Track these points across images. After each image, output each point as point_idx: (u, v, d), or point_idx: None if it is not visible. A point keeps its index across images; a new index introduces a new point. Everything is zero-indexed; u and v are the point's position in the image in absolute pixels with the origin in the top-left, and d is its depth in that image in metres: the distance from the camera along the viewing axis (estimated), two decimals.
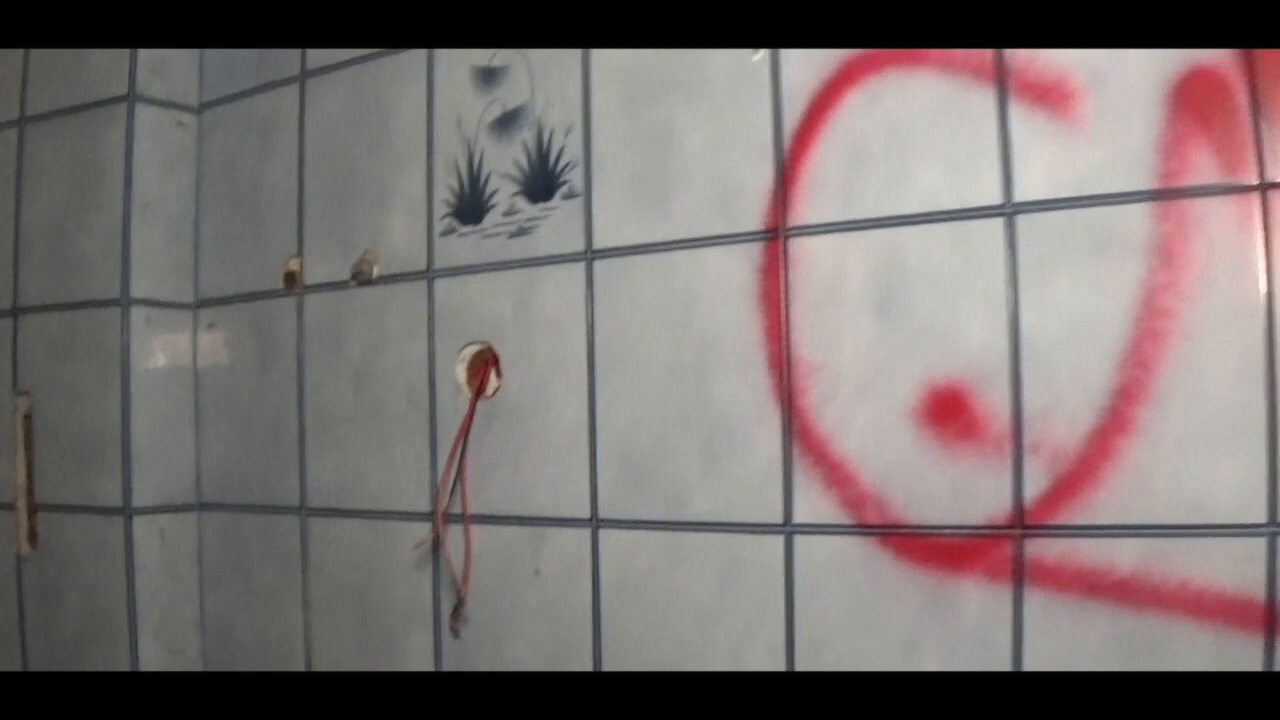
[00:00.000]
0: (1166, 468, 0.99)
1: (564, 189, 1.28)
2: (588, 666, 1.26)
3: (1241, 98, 0.98)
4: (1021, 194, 1.05)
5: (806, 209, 1.15)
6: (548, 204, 1.30)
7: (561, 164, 1.29)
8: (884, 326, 1.10)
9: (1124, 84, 1.01)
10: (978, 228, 1.07)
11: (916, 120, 1.10)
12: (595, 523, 1.26)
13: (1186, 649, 0.98)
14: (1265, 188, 0.96)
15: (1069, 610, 1.02)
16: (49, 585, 1.56)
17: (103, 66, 1.52)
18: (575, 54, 1.28)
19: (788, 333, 1.15)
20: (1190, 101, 1.00)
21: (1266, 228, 0.96)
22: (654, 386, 1.22)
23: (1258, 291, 0.96)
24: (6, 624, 1.59)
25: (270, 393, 1.51)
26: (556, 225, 1.29)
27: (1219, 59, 0.98)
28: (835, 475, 1.12)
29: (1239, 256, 0.97)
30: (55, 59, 1.57)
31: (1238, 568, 0.96)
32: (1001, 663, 1.04)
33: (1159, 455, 0.99)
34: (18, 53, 1.60)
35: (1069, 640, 1.02)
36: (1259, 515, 0.95)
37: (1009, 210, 1.06)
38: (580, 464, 1.27)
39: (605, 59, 1.27)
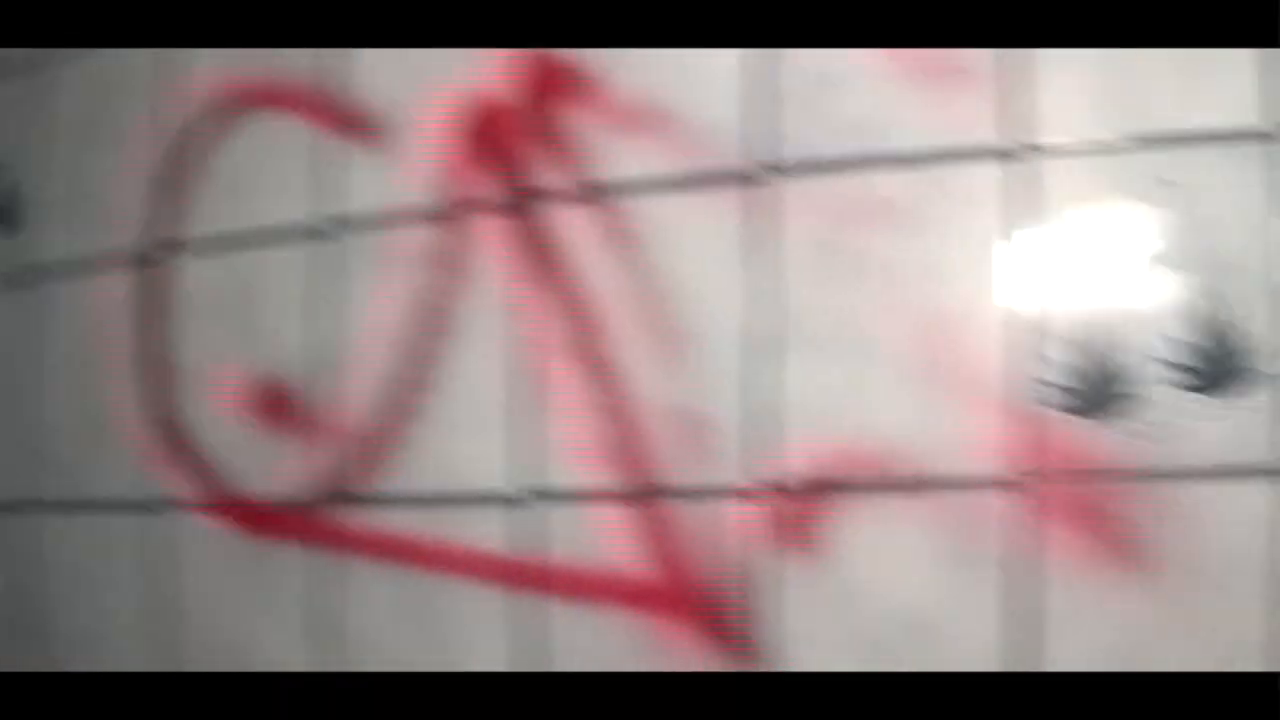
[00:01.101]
0: (442, 446, 1.17)
1: None
2: None
3: (518, 123, 1.15)
4: (345, 217, 1.22)
5: (185, 231, 1.31)
6: None
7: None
8: (228, 331, 1.27)
9: (424, 119, 1.19)
10: (314, 249, 1.24)
11: (273, 153, 1.26)
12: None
13: (473, 608, 1.14)
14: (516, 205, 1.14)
15: (373, 572, 1.19)
16: None
17: None
18: None
19: (165, 342, 1.32)
20: (473, 131, 1.17)
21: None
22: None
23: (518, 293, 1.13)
24: None
25: None
26: None
27: (499, 88, 1.15)
28: (197, 461, 1.28)
29: (502, 264, 1.15)
30: None
31: (501, 531, 1.14)
32: (330, 619, 1.21)
33: (437, 436, 1.17)
34: None
35: (381, 601, 1.18)
36: (512, 487, 1.13)
37: (328, 231, 1.23)
38: None
39: None
